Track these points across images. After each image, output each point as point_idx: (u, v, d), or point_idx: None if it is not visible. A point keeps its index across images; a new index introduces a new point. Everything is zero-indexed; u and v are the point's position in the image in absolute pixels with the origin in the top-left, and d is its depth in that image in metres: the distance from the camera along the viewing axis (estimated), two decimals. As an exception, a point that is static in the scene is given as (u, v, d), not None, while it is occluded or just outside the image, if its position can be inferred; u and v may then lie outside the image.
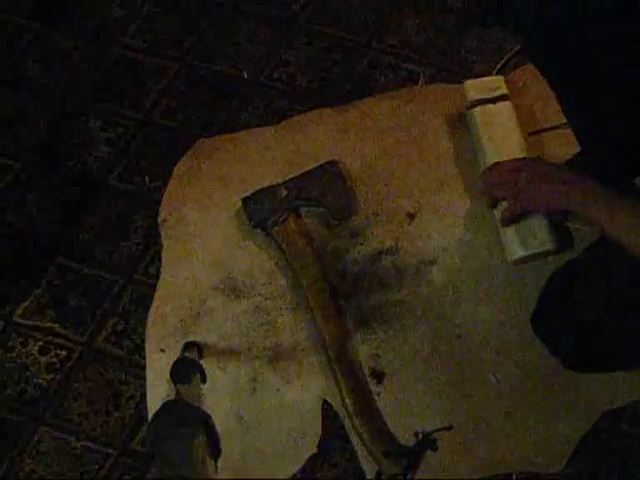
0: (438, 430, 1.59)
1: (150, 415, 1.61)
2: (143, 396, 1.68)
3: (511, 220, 1.67)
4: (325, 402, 1.65)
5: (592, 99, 1.31)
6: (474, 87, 1.87)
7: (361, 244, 1.80)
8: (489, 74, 1.97)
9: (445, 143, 1.90)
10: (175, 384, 1.55)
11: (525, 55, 1.92)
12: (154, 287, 1.79)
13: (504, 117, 1.83)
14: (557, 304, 1.58)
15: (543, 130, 1.89)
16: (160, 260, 1.82)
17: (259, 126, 1.97)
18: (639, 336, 1.46)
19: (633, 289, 1.42)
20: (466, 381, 1.65)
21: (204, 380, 1.59)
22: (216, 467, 1.52)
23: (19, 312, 1.79)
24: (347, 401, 1.62)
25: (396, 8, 2.12)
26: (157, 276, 1.80)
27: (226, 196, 1.87)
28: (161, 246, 1.83)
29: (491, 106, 1.84)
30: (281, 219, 1.79)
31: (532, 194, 1.58)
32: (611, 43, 1.18)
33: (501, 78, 1.89)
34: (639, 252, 1.35)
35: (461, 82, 1.89)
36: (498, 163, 1.72)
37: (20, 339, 1.76)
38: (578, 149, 1.77)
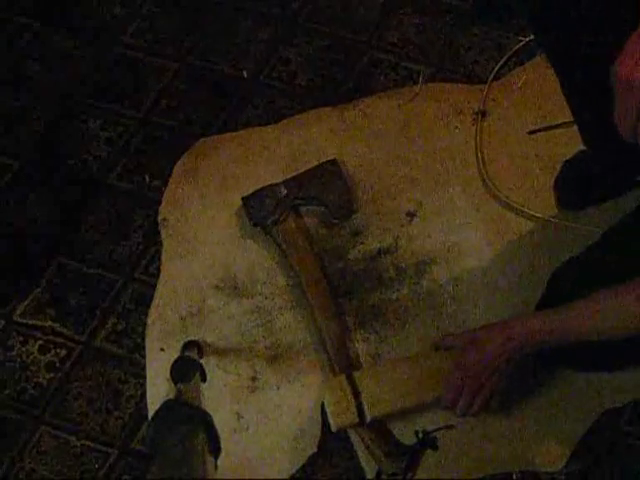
0: (439, 429, 1.59)
1: (150, 414, 1.61)
2: (143, 395, 1.68)
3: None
4: (325, 401, 1.65)
5: (596, 96, 1.30)
6: None
7: (361, 243, 1.80)
8: (488, 74, 1.98)
9: (445, 142, 1.91)
10: (175, 383, 1.54)
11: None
12: (154, 286, 1.79)
13: None
14: (558, 303, 1.57)
15: (543, 129, 1.89)
16: (160, 259, 1.82)
17: (259, 125, 1.97)
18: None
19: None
20: (466, 380, 1.65)
21: (204, 379, 1.58)
22: (216, 466, 1.52)
23: (19, 311, 1.78)
24: (347, 400, 1.62)
25: (396, 7, 2.12)
26: (157, 275, 1.80)
27: (226, 195, 1.87)
28: (161, 245, 1.83)
29: None
30: (281, 218, 1.79)
31: (488, 376, 1.49)
32: (609, 41, 1.18)
33: None
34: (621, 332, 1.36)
35: (461, 81, 1.88)
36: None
37: (20, 338, 1.76)
38: (578, 148, 1.77)
